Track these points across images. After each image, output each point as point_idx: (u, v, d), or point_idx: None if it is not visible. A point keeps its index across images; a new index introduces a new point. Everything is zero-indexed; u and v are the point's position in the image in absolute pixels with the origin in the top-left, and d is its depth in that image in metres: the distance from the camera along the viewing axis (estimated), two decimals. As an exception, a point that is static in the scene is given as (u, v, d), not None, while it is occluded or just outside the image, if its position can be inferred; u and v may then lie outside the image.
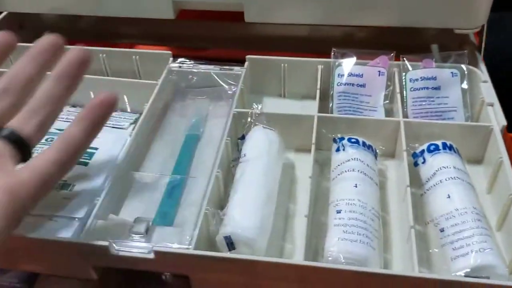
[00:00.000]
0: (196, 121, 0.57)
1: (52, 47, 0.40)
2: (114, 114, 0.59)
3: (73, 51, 0.39)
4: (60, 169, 0.36)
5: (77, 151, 0.38)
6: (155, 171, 0.51)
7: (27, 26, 0.76)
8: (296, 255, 0.44)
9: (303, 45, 0.71)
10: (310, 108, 0.60)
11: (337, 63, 0.57)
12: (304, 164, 0.53)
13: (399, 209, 0.47)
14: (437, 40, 0.71)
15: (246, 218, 0.42)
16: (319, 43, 0.70)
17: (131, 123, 0.58)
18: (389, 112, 0.56)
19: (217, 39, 0.73)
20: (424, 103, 0.55)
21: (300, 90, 0.62)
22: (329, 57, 0.58)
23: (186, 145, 0.54)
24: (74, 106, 0.62)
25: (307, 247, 0.40)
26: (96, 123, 0.39)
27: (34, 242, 0.41)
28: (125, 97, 0.60)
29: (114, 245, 0.40)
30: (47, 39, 0.40)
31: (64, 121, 0.58)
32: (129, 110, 0.61)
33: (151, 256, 0.40)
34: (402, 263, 0.43)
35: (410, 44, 0.70)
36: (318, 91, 0.55)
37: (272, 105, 0.61)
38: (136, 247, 0.40)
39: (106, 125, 0.56)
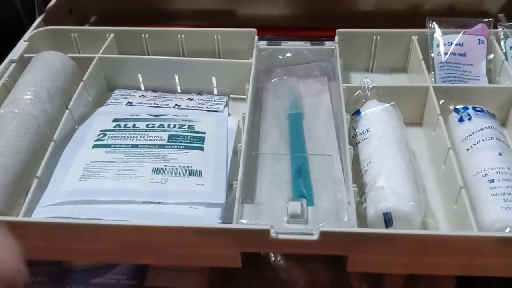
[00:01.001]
0: (293, 100, 0.55)
1: None
2: (203, 97, 0.57)
3: None
4: None
5: None
6: (272, 152, 0.49)
7: (76, 11, 0.72)
8: (442, 229, 0.43)
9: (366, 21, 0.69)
10: (402, 81, 0.59)
11: (434, 33, 0.56)
12: (417, 137, 0.52)
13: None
14: (502, 9, 0.71)
15: (403, 193, 0.40)
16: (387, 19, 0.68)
17: (224, 106, 0.56)
18: (490, 81, 0.55)
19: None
20: (528, 69, 0.54)
21: (388, 63, 0.60)
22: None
23: (293, 125, 0.52)
24: (155, 91, 0.58)
25: (476, 220, 0.39)
26: None
27: (185, 231, 0.38)
28: (213, 78, 0.57)
29: (273, 228, 0.38)
30: None
31: (153, 106, 0.55)
32: (216, 92, 0.58)
33: (315, 237, 0.38)
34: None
35: (473, 14, 0.70)
36: (422, 62, 0.54)
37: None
38: (297, 230, 0.38)
39: (201, 109, 0.55)
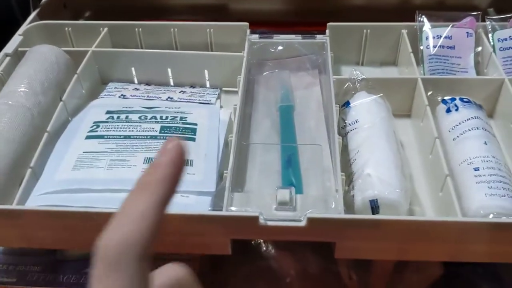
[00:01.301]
0: (284, 92, 0.56)
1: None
2: (195, 90, 0.58)
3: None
4: None
5: None
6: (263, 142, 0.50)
7: (70, 6, 0.73)
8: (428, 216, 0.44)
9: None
10: (392, 74, 0.60)
11: (423, 26, 0.57)
12: (406, 128, 0.53)
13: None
14: (491, 3, 0.71)
15: (390, 180, 0.41)
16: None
17: (216, 98, 0.56)
18: (478, 73, 0.56)
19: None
20: (515, 62, 0.55)
21: (379, 56, 0.61)
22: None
23: (284, 116, 0.53)
24: (148, 84, 0.59)
25: (460, 207, 0.39)
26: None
27: (176, 218, 0.39)
28: (206, 72, 0.58)
29: (262, 215, 0.39)
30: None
31: (146, 99, 0.56)
32: (208, 85, 0.59)
33: (303, 224, 0.38)
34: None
35: (462, 7, 0.70)
36: (411, 55, 0.55)
37: (352, 73, 0.60)
38: (285, 216, 0.39)
39: (193, 101, 0.55)
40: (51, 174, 0.44)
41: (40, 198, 0.42)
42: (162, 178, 0.20)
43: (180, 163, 0.21)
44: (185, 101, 0.55)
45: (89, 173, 0.44)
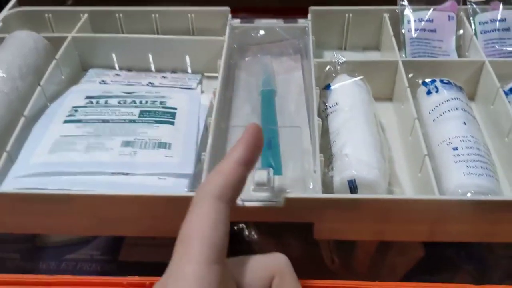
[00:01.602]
0: (266, 77, 0.55)
1: None
2: (176, 75, 0.57)
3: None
4: None
5: None
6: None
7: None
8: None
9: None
10: (375, 58, 0.60)
11: (404, 10, 0.57)
12: (387, 111, 0.53)
13: (496, 146, 0.47)
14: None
15: (368, 161, 0.41)
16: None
17: (198, 84, 0.56)
18: (460, 56, 0.56)
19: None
20: (496, 45, 0.55)
21: (361, 41, 0.61)
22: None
23: (265, 100, 0.52)
24: (129, 70, 0.59)
25: (439, 187, 0.39)
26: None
27: (152, 200, 0.39)
28: (187, 57, 0.57)
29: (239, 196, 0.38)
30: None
31: (127, 84, 0.56)
32: (189, 71, 0.58)
33: (280, 204, 0.38)
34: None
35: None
36: (393, 38, 0.54)
37: (335, 58, 0.60)
38: (263, 197, 0.39)
39: (174, 86, 0.55)
40: (27, 157, 0.43)
41: (15, 181, 0.41)
42: (241, 147, 0.30)
43: (254, 137, 0.31)
44: (166, 86, 0.55)
45: (66, 156, 0.43)
